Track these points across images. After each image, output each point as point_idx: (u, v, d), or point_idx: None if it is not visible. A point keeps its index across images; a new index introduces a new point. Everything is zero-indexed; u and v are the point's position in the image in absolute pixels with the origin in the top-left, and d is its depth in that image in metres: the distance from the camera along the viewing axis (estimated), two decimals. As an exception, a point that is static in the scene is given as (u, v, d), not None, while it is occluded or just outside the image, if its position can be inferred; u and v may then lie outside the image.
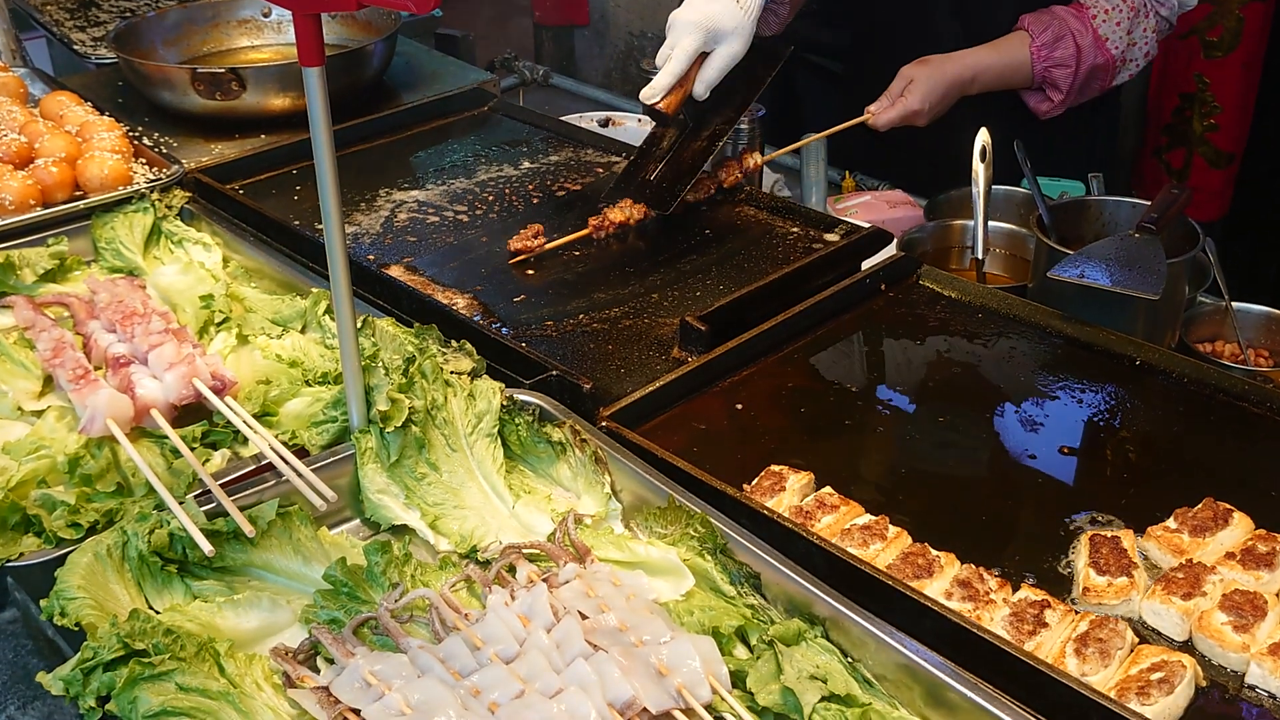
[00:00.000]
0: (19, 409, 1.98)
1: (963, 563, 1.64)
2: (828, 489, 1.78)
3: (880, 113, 2.80)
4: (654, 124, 2.67)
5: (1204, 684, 1.48)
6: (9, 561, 1.63)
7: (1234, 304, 2.47)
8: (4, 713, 1.73)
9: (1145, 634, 1.56)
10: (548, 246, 2.44)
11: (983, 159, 2.57)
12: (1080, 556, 1.65)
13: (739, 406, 2.03)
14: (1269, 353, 2.46)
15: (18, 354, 2.06)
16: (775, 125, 3.22)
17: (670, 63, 2.46)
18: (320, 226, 2.55)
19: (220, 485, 1.68)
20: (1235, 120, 4.27)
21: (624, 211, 2.50)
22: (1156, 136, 4.44)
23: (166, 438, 1.86)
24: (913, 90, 2.78)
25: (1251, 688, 1.47)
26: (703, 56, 2.49)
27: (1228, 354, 2.45)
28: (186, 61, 3.26)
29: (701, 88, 2.50)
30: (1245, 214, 4.38)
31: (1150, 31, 2.87)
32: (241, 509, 1.62)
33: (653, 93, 2.47)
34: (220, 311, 2.19)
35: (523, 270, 2.41)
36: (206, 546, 1.55)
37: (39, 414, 1.97)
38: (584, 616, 1.48)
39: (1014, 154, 2.66)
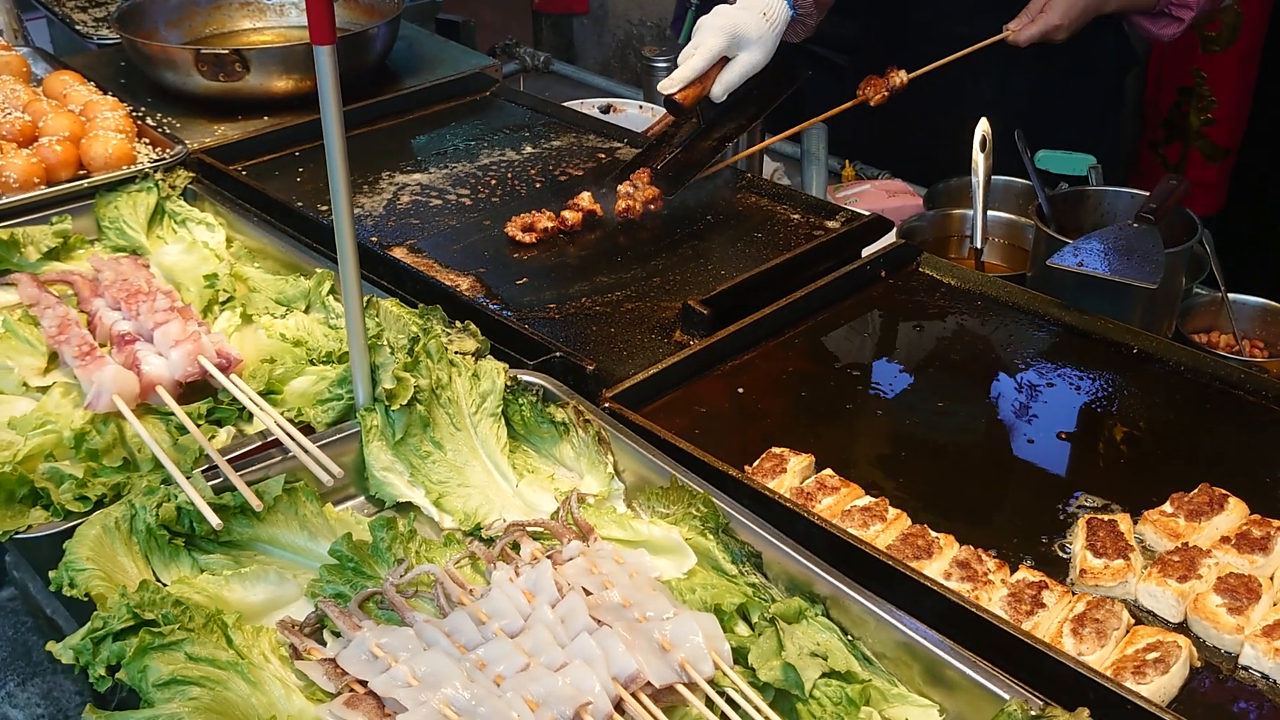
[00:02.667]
0: (24, 385, 1.99)
1: (961, 544, 1.66)
2: (828, 471, 1.79)
3: (1021, 29, 2.79)
4: (666, 113, 2.71)
5: (1199, 664, 1.50)
6: (17, 534, 1.64)
7: (1229, 295, 2.49)
8: (3, 689, 1.74)
9: (1141, 616, 1.58)
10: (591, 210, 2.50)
11: (983, 149, 2.59)
12: (1077, 539, 1.67)
13: (740, 390, 2.05)
14: (1263, 344, 2.48)
15: (23, 331, 2.07)
16: (776, 114, 3.23)
17: (693, 59, 2.53)
18: (324, 208, 2.58)
19: (226, 461, 1.69)
20: (1232, 115, 4.29)
21: (634, 194, 2.55)
22: (1153, 130, 4.46)
23: (172, 414, 1.87)
24: (1053, 6, 2.77)
25: (1245, 668, 1.49)
26: (724, 62, 2.56)
27: (1223, 345, 2.47)
28: (189, 43, 3.26)
29: (720, 89, 2.56)
30: (1241, 208, 4.41)
31: None
32: (247, 485, 1.63)
33: (671, 84, 2.54)
34: (224, 291, 2.21)
35: (525, 253, 2.42)
36: (214, 520, 1.56)
37: (44, 390, 1.98)
38: (588, 593, 1.50)
39: (1010, 142, 2.67)
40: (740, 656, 1.46)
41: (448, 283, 2.27)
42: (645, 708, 1.36)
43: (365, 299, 1.96)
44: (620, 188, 2.58)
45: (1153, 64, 4.38)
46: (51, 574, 1.50)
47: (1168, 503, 1.72)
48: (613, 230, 2.50)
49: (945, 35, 3.00)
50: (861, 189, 3.02)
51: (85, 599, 1.47)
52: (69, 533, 1.56)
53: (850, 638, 1.48)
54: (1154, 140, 4.47)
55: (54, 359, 2.05)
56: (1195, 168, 4.36)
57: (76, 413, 1.89)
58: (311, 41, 1.51)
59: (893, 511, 1.70)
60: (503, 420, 1.83)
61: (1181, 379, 2.05)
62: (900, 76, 2.61)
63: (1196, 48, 4.21)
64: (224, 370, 1.93)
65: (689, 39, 4.56)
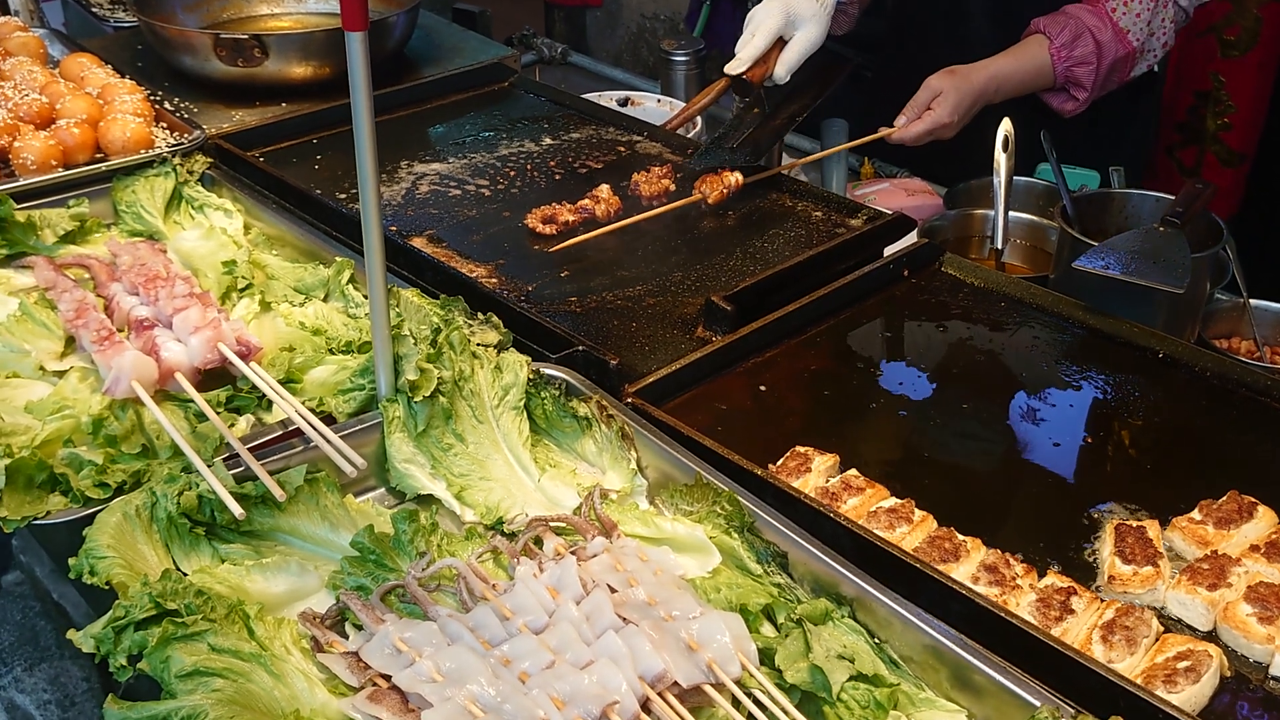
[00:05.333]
0: (41, 369, 1.97)
1: (987, 549, 1.64)
2: (853, 471, 1.78)
3: (908, 125, 2.78)
4: (685, 106, 2.70)
5: (1229, 674, 1.48)
6: (35, 519, 1.62)
7: (1251, 301, 2.48)
8: (10, 674, 1.73)
9: (1169, 623, 1.57)
10: (655, 213, 2.46)
11: (1005, 149, 2.58)
12: (1105, 545, 1.65)
13: (762, 388, 2.03)
14: (1286, 351, 2.47)
15: (39, 314, 2.05)
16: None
17: (754, 39, 2.61)
18: (342, 195, 2.57)
19: (247, 450, 1.67)
20: (1249, 120, 4.27)
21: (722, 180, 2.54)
22: (1170, 134, 4.43)
23: (190, 401, 1.86)
24: (942, 102, 2.77)
25: (1277, 679, 1.48)
26: (781, 44, 2.64)
27: (1244, 351, 2.46)
28: (207, 27, 3.24)
29: (783, 70, 2.65)
30: (1255, 213, 4.39)
31: (1169, 22, 2.87)
32: (268, 474, 1.61)
33: (738, 64, 2.61)
34: (243, 278, 2.19)
35: (545, 245, 2.41)
36: (237, 509, 1.54)
37: (60, 374, 1.97)
38: (612, 590, 1.49)
39: (1028, 141, 2.66)
40: (766, 658, 1.44)
41: (468, 273, 2.25)
42: (672, 708, 1.35)
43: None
44: (706, 178, 2.56)
45: (1170, 68, 4.35)
46: (71, 561, 1.49)
47: (1196, 510, 1.70)
48: (633, 224, 2.48)
49: (965, 40, 2.99)
50: (880, 187, 3.00)
51: (106, 587, 1.46)
52: (88, 519, 1.55)
53: (877, 640, 1.46)
54: (1170, 144, 4.45)
55: (71, 343, 2.03)
56: (1211, 172, 4.34)
57: (94, 398, 1.87)
58: (344, 28, 1.50)
59: (919, 513, 1.69)
60: (525, 414, 1.82)
61: (1208, 385, 2.04)
62: (736, 177, 2.54)
63: (1215, 52, 4.19)
64: (244, 358, 1.91)
65: (704, 33, 4.55)
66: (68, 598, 1.77)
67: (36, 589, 1.84)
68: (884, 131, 2.80)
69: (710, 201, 2.51)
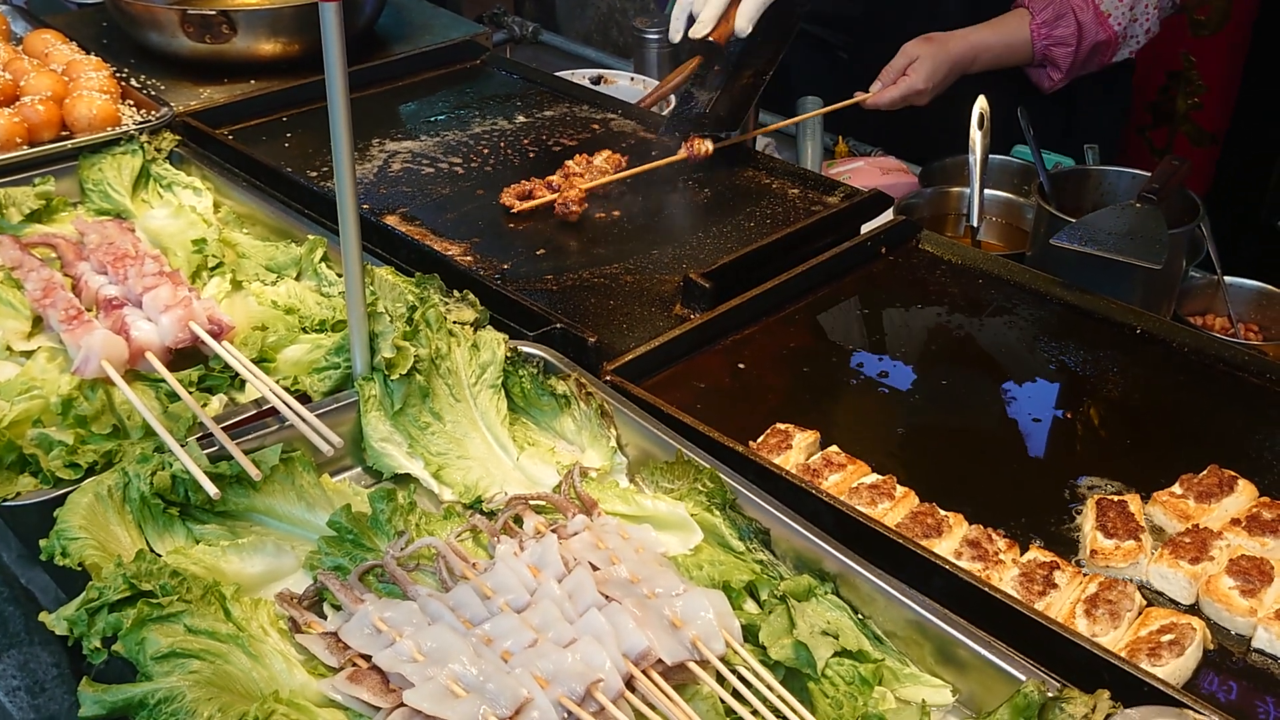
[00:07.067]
0: (8, 349, 1.94)
1: (968, 524, 1.64)
2: (834, 448, 1.77)
3: (883, 91, 2.77)
4: (658, 85, 2.66)
5: (1211, 647, 1.48)
6: (5, 501, 1.59)
7: (1225, 278, 2.48)
8: (-21, 660, 1.70)
9: (1151, 597, 1.57)
10: (627, 174, 2.47)
11: (980, 127, 2.57)
12: (1087, 519, 1.65)
13: (741, 365, 2.02)
14: (1258, 327, 2.47)
15: (6, 293, 2.01)
16: (767, 91, 3.19)
17: None
18: (313, 174, 2.53)
19: (221, 429, 1.65)
20: (1219, 100, 4.28)
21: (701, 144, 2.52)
22: (1141, 114, 4.45)
23: (161, 381, 1.82)
24: (917, 69, 2.76)
25: (1259, 651, 1.48)
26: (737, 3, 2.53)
27: (1218, 327, 2.46)
28: (173, 3, 3.18)
29: (744, 21, 2.54)
30: (1226, 193, 4.41)
31: (1152, 8, 2.87)
32: (243, 454, 1.59)
33: (703, 26, 2.52)
34: (213, 256, 2.15)
35: (520, 222, 2.38)
36: (212, 489, 1.52)
37: (28, 355, 1.93)
38: (594, 568, 1.47)
39: (1005, 121, 2.65)
40: (750, 634, 1.43)
41: (442, 251, 2.23)
42: (657, 685, 1.34)
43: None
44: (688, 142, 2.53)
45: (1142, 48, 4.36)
46: (42, 543, 1.46)
47: (1177, 484, 1.71)
48: (609, 201, 2.46)
49: (939, 15, 2.98)
50: (855, 166, 2.98)
51: (79, 568, 1.43)
52: (59, 500, 1.52)
53: (860, 616, 1.45)
54: (1141, 124, 4.46)
55: (38, 323, 2.00)
56: (1182, 152, 4.35)
57: (63, 378, 1.83)
58: (318, -3, 1.46)
59: (900, 489, 1.68)
60: (503, 392, 1.80)
61: (1186, 360, 2.04)
62: (706, 146, 2.52)
63: (1186, 31, 4.20)
64: (215, 337, 1.88)
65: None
66: (36, 582, 1.74)
67: (4, 574, 1.81)
68: (859, 96, 2.79)
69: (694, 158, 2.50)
